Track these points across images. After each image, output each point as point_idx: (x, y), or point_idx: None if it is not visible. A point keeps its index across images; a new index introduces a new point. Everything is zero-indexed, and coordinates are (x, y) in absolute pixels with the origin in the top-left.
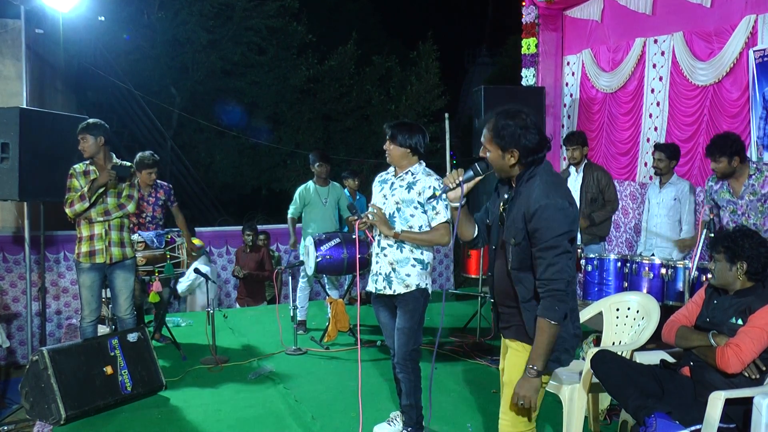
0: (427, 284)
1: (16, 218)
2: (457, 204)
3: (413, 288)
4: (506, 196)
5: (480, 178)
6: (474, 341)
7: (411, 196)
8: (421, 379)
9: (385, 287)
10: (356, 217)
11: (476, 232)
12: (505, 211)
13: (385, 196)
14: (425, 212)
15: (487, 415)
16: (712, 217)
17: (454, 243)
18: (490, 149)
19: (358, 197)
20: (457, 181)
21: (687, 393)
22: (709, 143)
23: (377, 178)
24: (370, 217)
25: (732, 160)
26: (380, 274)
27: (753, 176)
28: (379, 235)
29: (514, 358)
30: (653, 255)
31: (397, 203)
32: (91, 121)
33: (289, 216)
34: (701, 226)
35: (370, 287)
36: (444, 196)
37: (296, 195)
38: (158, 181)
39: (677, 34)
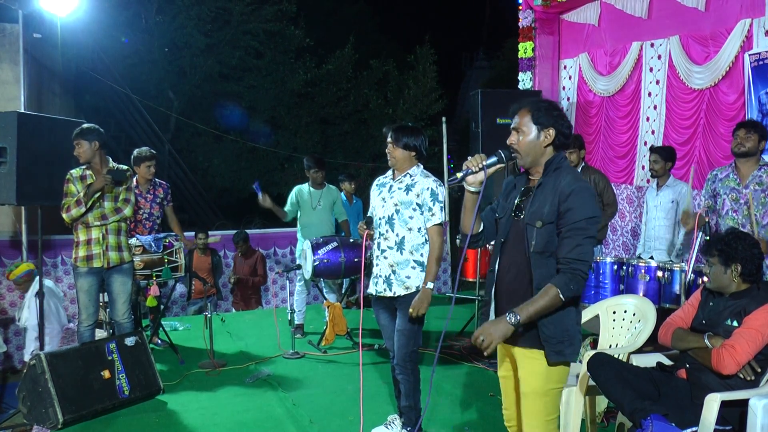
0: None
1: (13, 222)
2: (475, 189)
3: (413, 290)
4: (523, 189)
5: (502, 166)
6: (471, 344)
7: (410, 198)
8: (420, 381)
9: (385, 289)
10: (366, 228)
11: (482, 227)
12: (524, 202)
13: (383, 199)
14: (422, 213)
15: (485, 418)
16: (707, 220)
17: (451, 246)
18: (524, 130)
19: (354, 201)
20: (480, 165)
21: (683, 395)
22: (743, 120)
23: (375, 182)
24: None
25: (761, 141)
26: (380, 276)
27: (763, 168)
28: (380, 236)
29: (530, 366)
30: (651, 258)
31: (396, 205)
32: (85, 126)
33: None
34: (698, 223)
35: (371, 289)
36: (462, 178)
37: (290, 196)
38: (157, 179)
39: (673, 37)
